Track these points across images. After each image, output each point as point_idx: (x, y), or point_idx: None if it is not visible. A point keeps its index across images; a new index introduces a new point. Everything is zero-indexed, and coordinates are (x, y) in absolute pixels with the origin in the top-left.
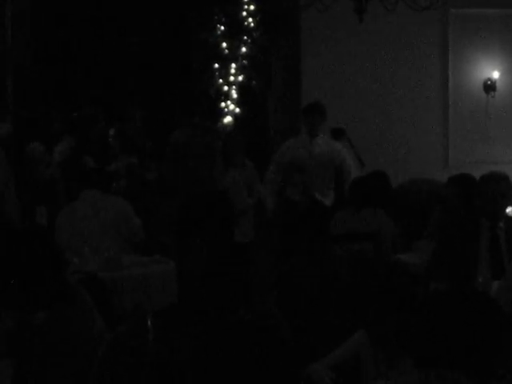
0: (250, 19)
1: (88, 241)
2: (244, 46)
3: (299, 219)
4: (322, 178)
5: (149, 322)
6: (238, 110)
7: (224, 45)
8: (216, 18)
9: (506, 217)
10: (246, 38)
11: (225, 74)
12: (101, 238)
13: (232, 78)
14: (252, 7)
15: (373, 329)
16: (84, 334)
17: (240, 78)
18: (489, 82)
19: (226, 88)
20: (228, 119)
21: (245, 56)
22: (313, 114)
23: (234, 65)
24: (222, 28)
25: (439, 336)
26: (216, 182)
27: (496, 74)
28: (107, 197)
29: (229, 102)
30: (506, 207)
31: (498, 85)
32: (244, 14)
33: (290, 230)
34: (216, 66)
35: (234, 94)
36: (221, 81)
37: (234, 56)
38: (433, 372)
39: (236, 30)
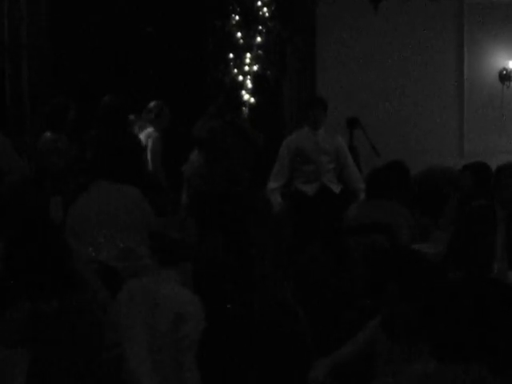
0: (265, 9)
1: (103, 230)
2: (259, 35)
3: (310, 205)
4: (328, 167)
5: None
6: (252, 99)
7: (239, 34)
8: (231, 7)
9: None
10: (260, 27)
11: (239, 63)
12: (116, 228)
13: (247, 68)
14: None
15: (388, 319)
16: (95, 322)
17: (255, 67)
18: (504, 72)
19: (240, 78)
20: (243, 109)
21: (260, 46)
22: (316, 108)
23: (248, 54)
24: (237, 18)
25: (456, 325)
26: (245, 181)
27: (511, 64)
28: (117, 186)
29: (243, 92)
30: None
31: None
32: (259, 3)
33: (303, 219)
34: (231, 55)
35: (249, 84)
36: (235, 71)
37: (249, 46)
38: (446, 365)
39: (251, 19)
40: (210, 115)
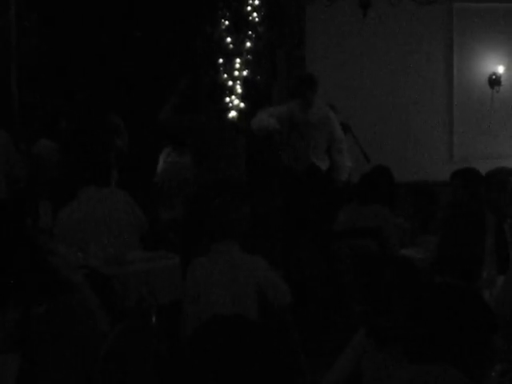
0: (255, 14)
1: (93, 236)
2: (248, 40)
3: (299, 185)
4: (317, 143)
5: (153, 319)
6: (242, 104)
7: (228, 40)
8: (220, 12)
9: None
10: (250, 32)
11: (229, 68)
12: (106, 234)
13: (236, 73)
14: (256, 2)
15: (376, 328)
16: (85, 326)
17: (245, 72)
18: (494, 77)
19: (230, 83)
20: (233, 114)
21: (249, 51)
22: (305, 89)
23: (238, 60)
24: (227, 23)
25: (429, 329)
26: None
27: (501, 69)
28: (105, 190)
29: (233, 97)
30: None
31: (502, 79)
32: (249, 8)
33: (292, 198)
34: (220, 60)
35: (239, 89)
36: (225, 76)
37: (239, 51)
38: (425, 368)
39: (240, 24)
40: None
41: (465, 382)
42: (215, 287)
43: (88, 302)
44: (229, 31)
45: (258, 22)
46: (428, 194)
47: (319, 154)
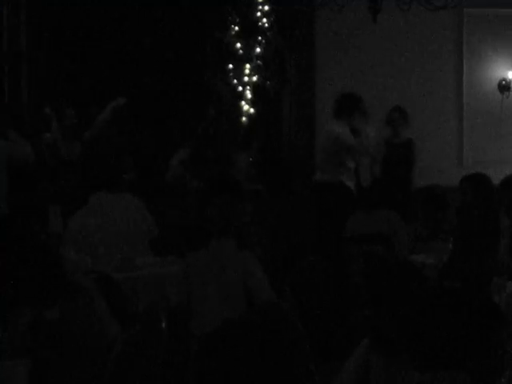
0: (265, 19)
1: (102, 241)
2: (258, 46)
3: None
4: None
5: (163, 324)
6: (252, 110)
7: (238, 45)
8: (230, 18)
9: None
10: (260, 38)
11: (239, 74)
12: (115, 239)
13: (246, 79)
14: (266, 7)
15: (384, 334)
16: (95, 331)
17: (254, 78)
18: (503, 82)
19: (240, 88)
20: (243, 120)
21: (259, 56)
22: (362, 103)
23: (248, 65)
24: (236, 28)
25: (439, 335)
26: None
27: (511, 74)
28: (116, 196)
29: (243, 103)
30: None
31: None
32: (258, 14)
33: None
34: (230, 66)
35: (249, 95)
36: (235, 81)
37: (249, 56)
38: (435, 374)
39: (250, 30)
40: None
41: None
42: (205, 284)
43: (98, 307)
44: (238, 37)
45: (267, 28)
46: (436, 199)
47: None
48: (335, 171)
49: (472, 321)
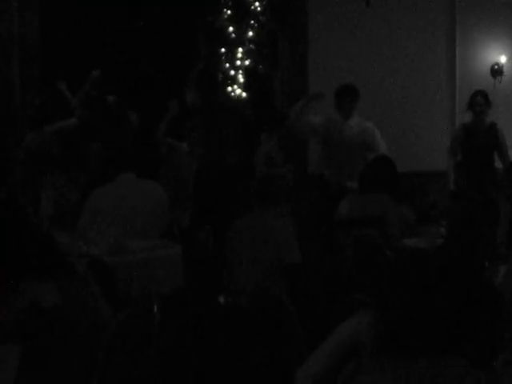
0: (257, 3)
1: (94, 225)
2: (251, 30)
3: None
4: (352, 162)
5: (155, 307)
6: (244, 94)
7: (230, 29)
8: (222, 1)
9: None
10: (252, 22)
11: (231, 58)
12: (109, 223)
13: (239, 63)
14: None
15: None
16: (90, 318)
17: (247, 62)
18: (496, 67)
19: (232, 72)
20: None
21: (251, 40)
22: (343, 98)
23: (240, 49)
24: (229, 12)
25: (436, 319)
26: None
27: (503, 59)
28: (140, 183)
29: (235, 87)
30: None
31: (505, 69)
32: None
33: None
34: (223, 50)
35: (241, 79)
36: (227, 65)
37: (241, 40)
38: (433, 360)
39: (243, 14)
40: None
41: (474, 373)
42: (241, 249)
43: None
44: (231, 20)
45: (260, 12)
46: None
47: (353, 173)
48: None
49: (469, 303)
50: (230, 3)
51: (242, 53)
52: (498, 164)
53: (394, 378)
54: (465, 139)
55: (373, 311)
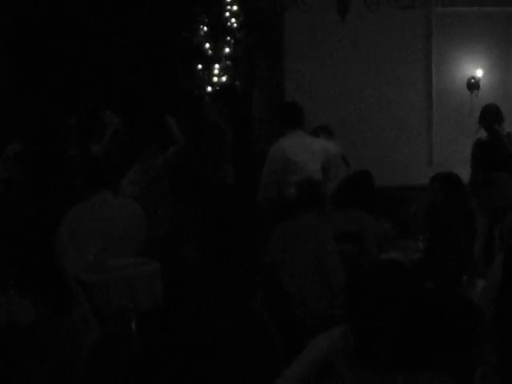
0: (233, 19)
1: (75, 243)
2: (227, 46)
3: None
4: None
5: (133, 325)
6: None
7: (207, 45)
8: (199, 18)
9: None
10: (229, 38)
11: (208, 75)
12: (88, 241)
13: (215, 79)
14: (235, 8)
15: (361, 336)
16: (73, 340)
17: (224, 78)
18: (472, 81)
19: (209, 89)
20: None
21: (228, 57)
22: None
23: (217, 65)
24: (205, 29)
25: (416, 335)
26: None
27: (479, 73)
28: (119, 201)
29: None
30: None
31: (481, 83)
32: (227, 14)
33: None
34: (199, 67)
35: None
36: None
37: (218, 57)
38: (413, 376)
39: (219, 30)
40: None
41: None
42: (287, 250)
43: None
44: (207, 37)
45: (236, 28)
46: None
47: None
48: None
49: (449, 319)
50: (206, 20)
51: (219, 69)
52: None
53: None
54: None
55: (345, 324)
